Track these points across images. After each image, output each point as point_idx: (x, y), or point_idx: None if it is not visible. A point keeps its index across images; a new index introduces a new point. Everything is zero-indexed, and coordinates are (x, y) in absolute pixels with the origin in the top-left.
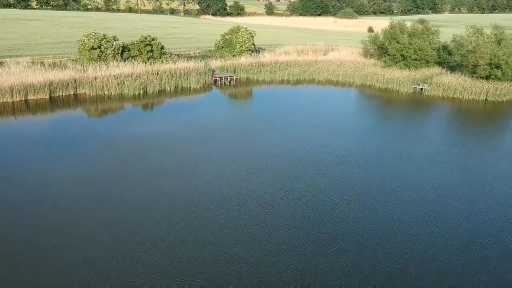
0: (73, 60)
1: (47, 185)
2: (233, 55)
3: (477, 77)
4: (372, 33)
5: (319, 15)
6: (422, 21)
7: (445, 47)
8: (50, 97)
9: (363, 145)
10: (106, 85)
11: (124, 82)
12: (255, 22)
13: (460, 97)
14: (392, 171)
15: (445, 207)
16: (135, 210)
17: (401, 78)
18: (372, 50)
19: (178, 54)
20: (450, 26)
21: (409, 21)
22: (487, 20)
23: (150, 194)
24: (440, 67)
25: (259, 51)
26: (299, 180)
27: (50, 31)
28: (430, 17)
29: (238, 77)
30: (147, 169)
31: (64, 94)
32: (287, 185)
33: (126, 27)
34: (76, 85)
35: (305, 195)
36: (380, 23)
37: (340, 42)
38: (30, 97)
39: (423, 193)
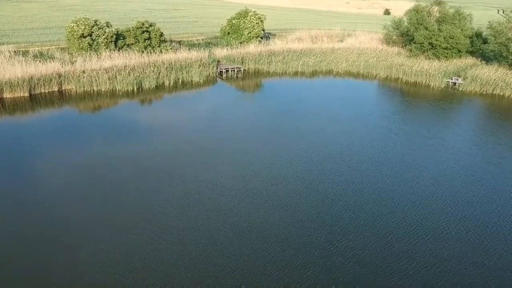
0: (62, 49)
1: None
2: (241, 42)
3: None
4: (394, 17)
5: None
6: (439, 3)
7: (479, 34)
8: (30, 94)
9: (390, 154)
10: (96, 80)
11: (116, 76)
12: (263, 3)
13: (502, 93)
14: (425, 193)
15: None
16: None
17: (431, 70)
18: (395, 37)
19: (180, 41)
20: (467, 8)
21: (424, 2)
22: (506, 3)
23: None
24: (474, 58)
25: (269, 37)
26: (322, 195)
27: (41, 15)
28: None
29: (246, 68)
30: (136, 187)
31: (46, 91)
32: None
33: (125, 10)
34: (61, 81)
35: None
36: (397, 5)
37: (357, 26)
38: (7, 95)
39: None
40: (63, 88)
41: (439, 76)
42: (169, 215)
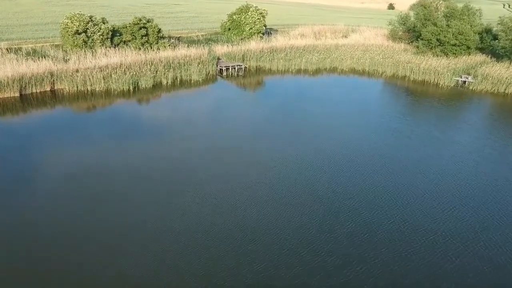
0: (56, 46)
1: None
2: (241, 39)
3: None
4: (401, 13)
5: None
6: None
7: (488, 30)
8: (21, 94)
9: (406, 162)
10: (89, 79)
11: (111, 75)
12: None
13: None
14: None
15: None
16: None
17: (439, 68)
18: (401, 33)
19: (179, 37)
20: (472, 2)
21: None
22: None
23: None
24: (484, 55)
25: (270, 33)
26: (335, 211)
27: (37, 10)
28: None
29: (247, 66)
30: (133, 191)
31: (38, 91)
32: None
33: (123, 4)
34: (53, 80)
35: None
36: (401, 0)
37: (360, 22)
38: None
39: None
40: (55, 87)
41: (448, 74)
42: (167, 218)
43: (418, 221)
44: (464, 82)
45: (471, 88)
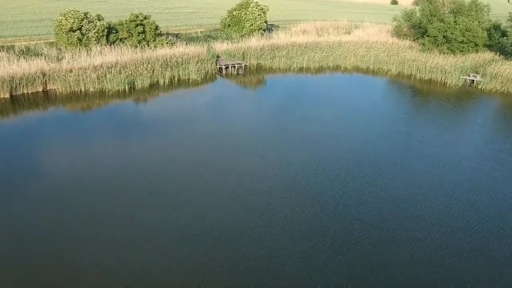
0: (50, 44)
1: None
2: (242, 35)
3: None
4: (405, 8)
5: None
6: None
7: (497, 27)
8: (11, 95)
9: (420, 170)
10: (83, 79)
11: (105, 75)
12: None
13: None
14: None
15: None
16: None
17: (446, 67)
18: (406, 29)
19: (177, 34)
20: None
21: None
22: None
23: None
24: (492, 52)
25: (271, 30)
26: (346, 225)
27: (33, 6)
28: None
29: (247, 64)
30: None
31: (30, 92)
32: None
33: (122, 0)
34: (46, 80)
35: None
36: None
37: (363, 17)
38: None
39: None
40: (48, 88)
41: (455, 73)
42: (166, 218)
43: (437, 241)
44: (473, 81)
45: (479, 87)
